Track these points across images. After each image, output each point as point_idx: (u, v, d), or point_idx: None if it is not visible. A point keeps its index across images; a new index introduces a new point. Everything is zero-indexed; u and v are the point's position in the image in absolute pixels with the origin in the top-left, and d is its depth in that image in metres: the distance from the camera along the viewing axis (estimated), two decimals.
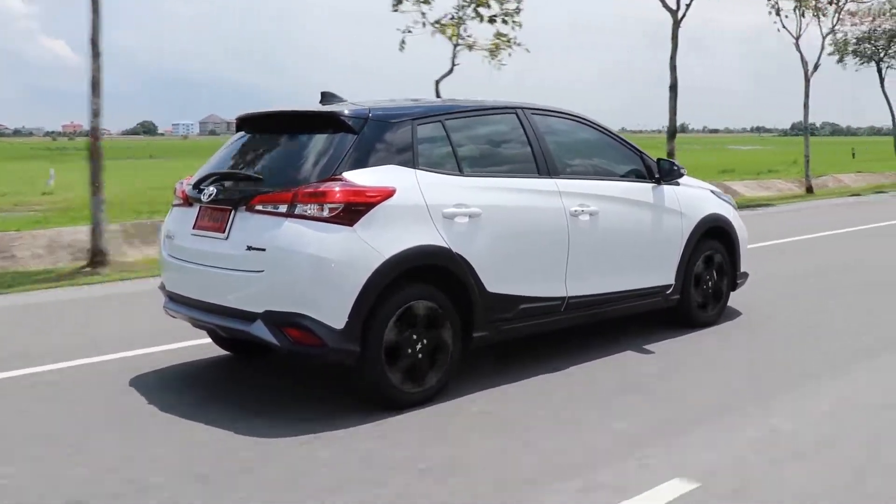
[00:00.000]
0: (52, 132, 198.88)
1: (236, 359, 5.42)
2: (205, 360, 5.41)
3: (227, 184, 4.61)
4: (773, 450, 3.76)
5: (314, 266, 4.12)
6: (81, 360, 5.37)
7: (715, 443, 3.86)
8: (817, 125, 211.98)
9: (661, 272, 5.77)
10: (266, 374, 5.16)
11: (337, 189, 4.19)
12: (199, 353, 5.50)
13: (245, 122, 5.12)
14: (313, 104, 5.03)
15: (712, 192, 6.37)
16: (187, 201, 4.82)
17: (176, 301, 4.85)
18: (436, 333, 4.46)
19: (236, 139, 5.08)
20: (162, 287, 5.07)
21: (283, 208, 4.22)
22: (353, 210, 4.18)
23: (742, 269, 6.49)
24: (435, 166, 4.61)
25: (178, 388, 4.85)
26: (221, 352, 5.47)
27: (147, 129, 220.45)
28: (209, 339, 5.48)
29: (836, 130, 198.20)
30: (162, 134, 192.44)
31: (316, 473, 3.56)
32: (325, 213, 4.16)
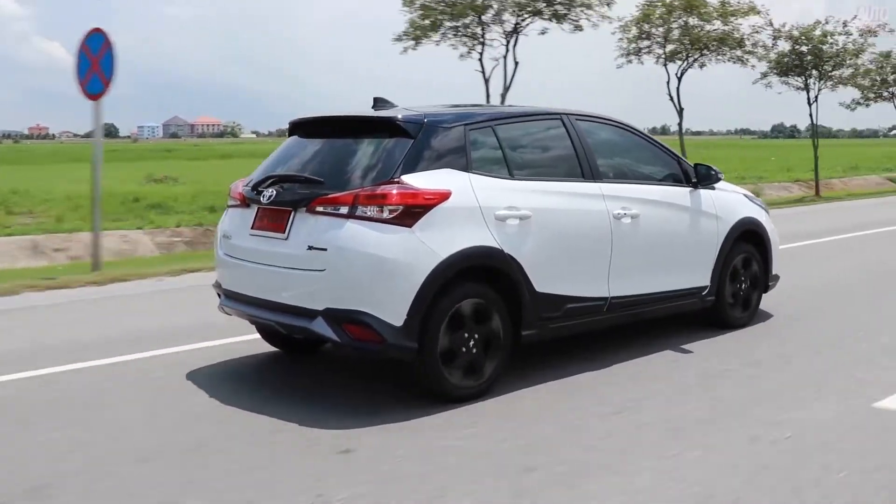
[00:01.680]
0: (9, 134, 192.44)
1: (285, 355, 5.58)
2: (252, 356, 5.58)
3: (286, 186, 4.78)
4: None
5: (375, 265, 4.28)
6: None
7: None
8: (801, 128, 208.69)
9: (698, 274, 5.91)
10: (321, 369, 5.32)
11: (396, 192, 4.36)
12: (245, 350, 5.67)
13: (298, 127, 5.29)
14: (367, 110, 5.19)
15: (745, 196, 6.52)
16: (244, 202, 4.99)
17: (232, 298, 5.02)
18: (488, 331, 4.63)
19: (289, 143, 5.25)
20: (217, 285, 5.24)
21: (343, 210, 4.38)
22: (411, 212, 4.35)
23: (773, 272, 6.62)
24: (486, 170, 4.77)
25: (235, 383, 5.02)
26: (269, 348, 5.64)
27: (107, 131, 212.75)
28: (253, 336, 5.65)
29: (817, 132, 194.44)
30: (128, 137, 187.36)
31: (390, 463, 3.73)
32: (385, 215, 4.33)
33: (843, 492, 3.38)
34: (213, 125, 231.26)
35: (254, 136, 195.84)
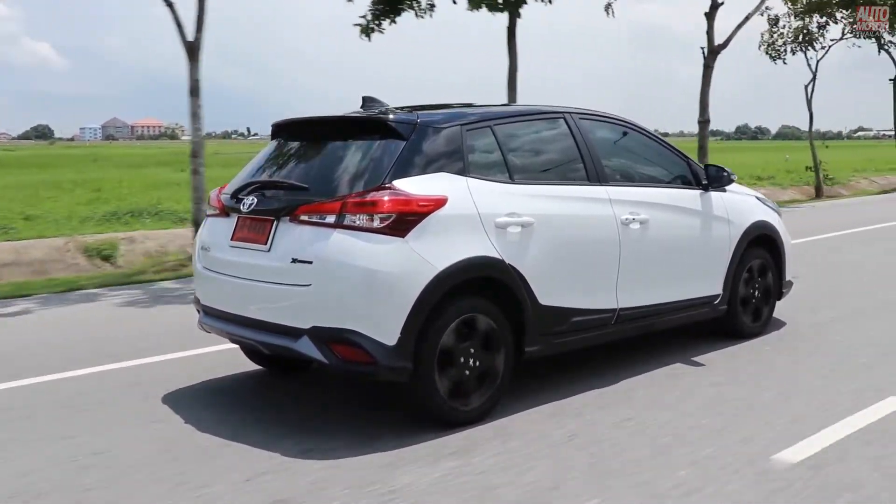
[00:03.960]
0: None
1: (269, 375, 5.21)
2: (238, 374, 5.20)
3: (268, 193, 4.41)
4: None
5: (365, 279, 3.92)
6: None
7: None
8: (771, 129, 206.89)
9: (710, 282, 5.57)
10: (307, 391, 4.95)
11: (387, 198, 3.99)
12: (224, 362, 5.29)
13: (282, 130, 4.93)
14: (355, 110, 4.83)
15: (757, 198, 6.18)
16: (224, 211, 4.62)
17: (212, 315, 4.64)
18: (488, 349, 4.26)
19: (272, 147, 4.88)
20: (196, 301, 4.86)
21: (330, 219, 4.02)
22: (404, 220, 3.98)
23: (787, 278, 6.29)
24: (485, 173, 4.41)
25: (214, 405, 4.64)
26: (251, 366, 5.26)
27: (41, 133, 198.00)
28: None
29: (778, 134, 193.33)
30: (71, 139, 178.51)
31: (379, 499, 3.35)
32: (376, 224, 3.96)
33: None
34: (154, 127, 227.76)
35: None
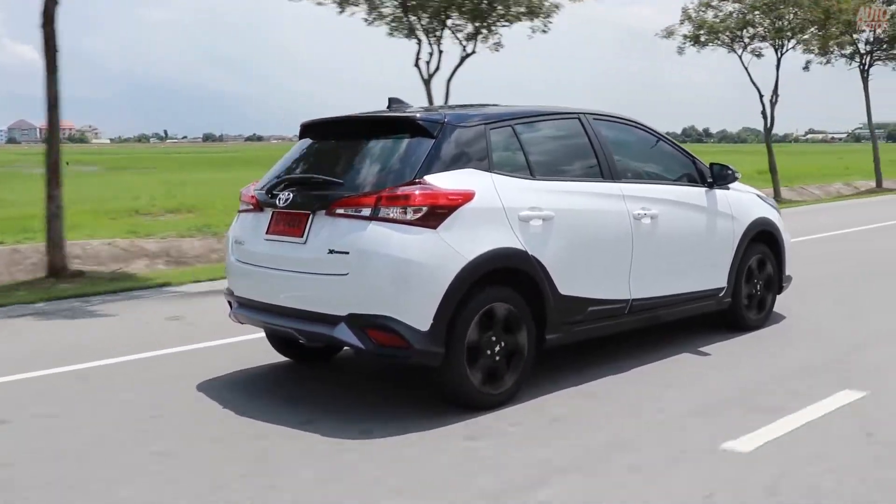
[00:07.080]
0: None
1: (296, 363, 5.43)
2: (266, 366, 5.42)
3: (303, 189, 4.64)
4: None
5: (400, 268, 4.15)
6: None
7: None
8: (713, 131, 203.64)
9: (715, 275, 5.84)
10: (333, 377, 5.18)
11: (419, 192, 4.23)
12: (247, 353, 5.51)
13: (309, 129, 5.16)
14: (382, 109, 5.07)
15: (758, 195, 6.46)
16: (258, 206, 4.84)
17: (246, 307, 4.86)
18: (512, 335, 4.51)
19: (301, 146, 5.12)
20: (229, 293, 5.07)
21: (366, 212, 4.25)
22: (436, 213, 4.23)
23: (787, 273, 6.57)
24: (508, 170, 4.66)
25: (248, 392, 4.86)
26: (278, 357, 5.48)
27: None
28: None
29: (725, 137, 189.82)
30: None
31: (410, 473, 3.59)
32: (409, 216, 4.20)
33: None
34: (65, 129, 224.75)
35: (108, 142, 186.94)
